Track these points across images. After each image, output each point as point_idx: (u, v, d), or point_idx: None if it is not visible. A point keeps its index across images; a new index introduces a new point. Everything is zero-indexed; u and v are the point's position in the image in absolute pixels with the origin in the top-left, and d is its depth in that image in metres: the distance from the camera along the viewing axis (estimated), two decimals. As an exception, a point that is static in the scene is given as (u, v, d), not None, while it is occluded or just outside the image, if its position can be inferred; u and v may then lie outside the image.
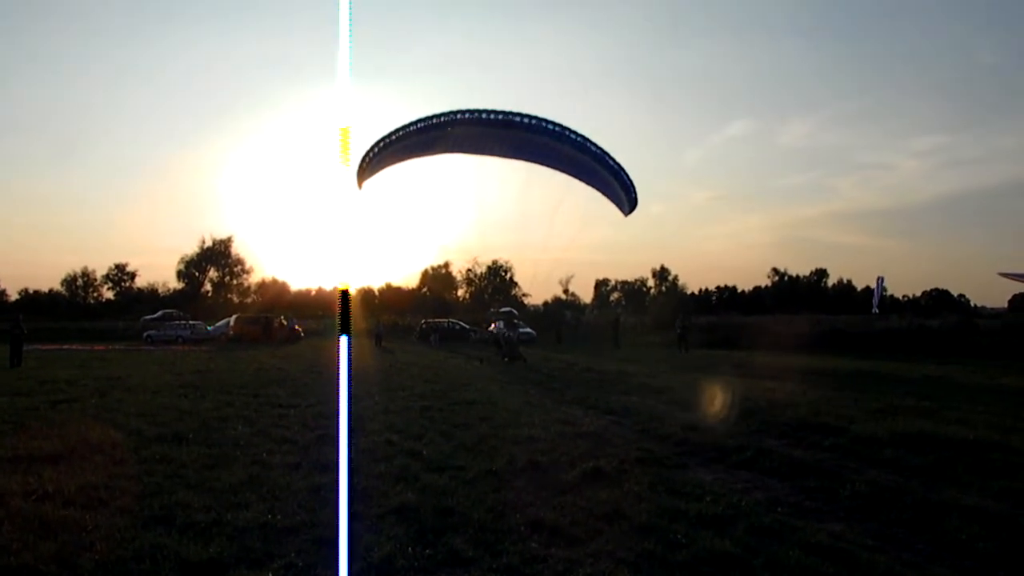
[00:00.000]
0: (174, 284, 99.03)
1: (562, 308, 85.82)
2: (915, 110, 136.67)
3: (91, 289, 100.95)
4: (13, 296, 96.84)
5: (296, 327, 55.19)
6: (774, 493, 8.74)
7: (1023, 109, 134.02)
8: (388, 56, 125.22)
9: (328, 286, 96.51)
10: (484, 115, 12.87)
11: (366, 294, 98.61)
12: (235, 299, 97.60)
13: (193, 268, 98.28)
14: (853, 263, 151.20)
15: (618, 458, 10.20)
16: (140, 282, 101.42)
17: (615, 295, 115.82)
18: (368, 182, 13.98)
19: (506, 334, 33.54)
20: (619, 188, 14.27)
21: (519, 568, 6.05)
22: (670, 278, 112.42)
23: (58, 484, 8.27)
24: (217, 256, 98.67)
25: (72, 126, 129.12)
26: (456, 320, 61.32)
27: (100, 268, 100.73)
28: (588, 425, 13.22)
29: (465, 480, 8.92)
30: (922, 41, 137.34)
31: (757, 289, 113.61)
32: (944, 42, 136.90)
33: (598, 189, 14.56)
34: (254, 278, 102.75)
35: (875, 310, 55.43)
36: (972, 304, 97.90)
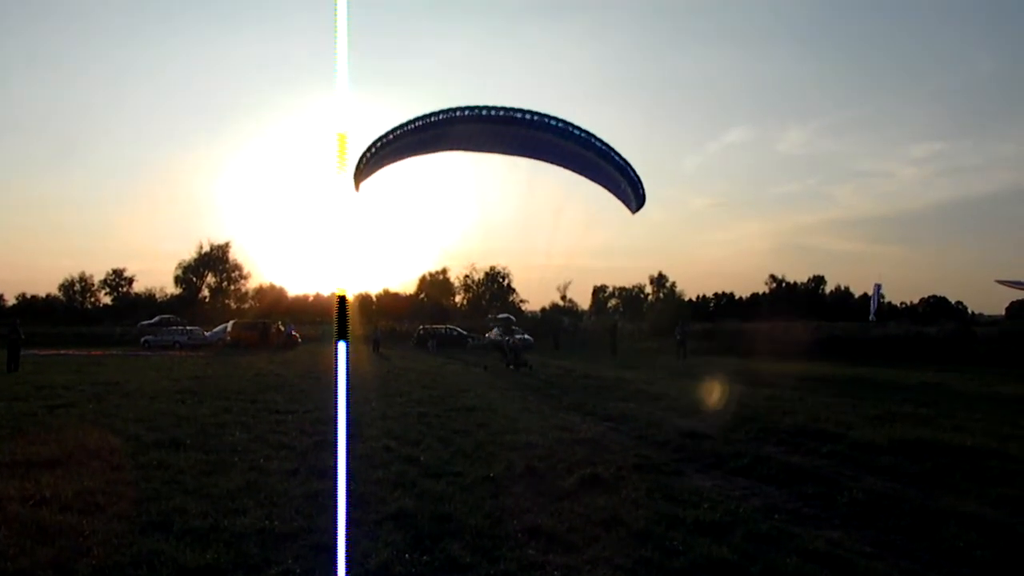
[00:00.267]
0: (172, 289, 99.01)
1: (560, 314, 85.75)
2: (913, 118, 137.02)
3: (88, 294, 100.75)
4: (10, 301, 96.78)
5: (294, 333, 55.12)
6: (772, 500, 8.74)
7: (1020, 116, 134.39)
8: (386, 62, 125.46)
9: (326, 292, 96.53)
10: (484, 112, 12.61)
11: (363, 300, 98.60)
12: (233, 305, 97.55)
13: (191, 273, 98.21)
14: (851, 270, 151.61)
15: (616, 464, 10.22)
16: (138, 287, 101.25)
17: (613, 301, 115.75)
18: (366, 183, 13.74)
19: (510, 340, 32.93)
20: (626, 184, 13.92)
21: (516, 574, 6.06)
22: (668, 284, 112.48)
23: (55, 489, 8.28)
24: (215, 261, 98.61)
25: (70, 130, 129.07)
26: (454, 326, 61.26)
27: (98, 273, 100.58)
28: (586, 431, 13.23)
29: (463, 486, 8.92)
30: (919, 49, 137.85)
31: (755, 296, 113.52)
32: (941, 50, 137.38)
33: (604, 186, 14.21)
34: (252, 284, 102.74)
35: (872, 317, 55.44)
36: (970, 311, 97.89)
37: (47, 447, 10.81)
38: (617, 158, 13.46)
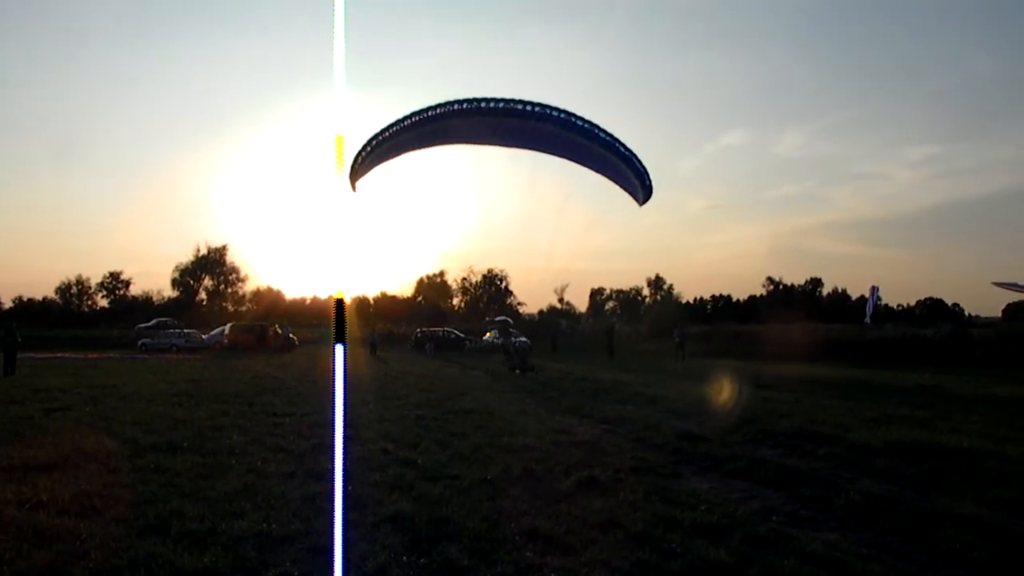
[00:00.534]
0: (169, 292, 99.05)
1: (557, 317, 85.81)
2: (910, 120, 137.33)
3: (85, 297, 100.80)
4: (7, 304, 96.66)
5: (291, 336, 55.17)
6: (769, 502, 8.75)
7: (1017, 119, 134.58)
8: (384, 63, 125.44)
9: (323, 295, 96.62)
10: (483, 104, 12.30)
11: (361, 303, 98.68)
12: (230, 307, 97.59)
13: (188, 276, 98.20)
14: (848, 272, 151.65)
15: (613, 467, 10.22)
16: (135, 290, 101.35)
17: (610, 304, 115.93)
18: (363, 182, 13.53)
19: (515, 343, 32.03)
20: (632, 175, 13.58)
21: (514, 577, 6.06)
22: (665, 287, 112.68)
23: (52, 493, 8.26)
24: (212, 264, 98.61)
25: (67, 132, 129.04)
26: (451, 329, 61.28)
27: (95, 276, 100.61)
28: (583, 434, 13.23)
29: (460, 489, 8.92)
30: (916, 52, 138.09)
31: (752, 298, 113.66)
32: (939, 53, 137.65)
33: (609, 177, 13.86)
34: (249, 286, 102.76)
35: (867, 320, 55.45)
36: (966, 313, 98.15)
37: (44, 450, 10.79)
38: (622, 148, 13.16)
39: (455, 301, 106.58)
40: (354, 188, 13.35)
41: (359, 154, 12.90)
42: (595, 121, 12.80)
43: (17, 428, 13.11)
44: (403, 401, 18.31)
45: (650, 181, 13.72)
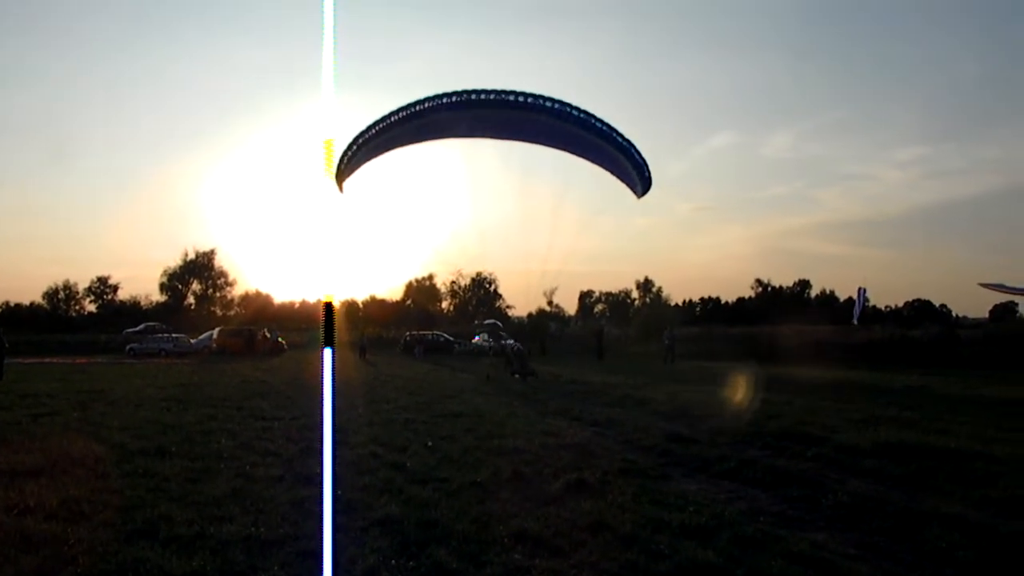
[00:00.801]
0: (157, 297, 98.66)
1: (546, 320, 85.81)
2: (897, 121, 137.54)
3: (73, 302, 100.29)
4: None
5: (280, 339, 55.07)
6: (757, 503, 8.80)
7: (1004, 120, 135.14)
8: (372, 67, 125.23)
9: (312, 298, 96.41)
10: (474, 96, 11.91)
11: (350, 306, 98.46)
12: (218, 312, 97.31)
13: (176, 281, 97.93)
14: (836, 274, 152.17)
15: (602, 469, 10.24)
16: (123, 295, 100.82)
17: (599, 306, 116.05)
18: (351, 181, 13.24)
19: (515, 347, 29.85)
20: (630, 167, 13.20)
21: (503, 579, 6.08)
22: (654, 289, 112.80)
23: (39, 498, 8.23)
24: (200, 269, 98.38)
25: (54, 137, 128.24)
26: (441, 332, 61.27)
27: (82, 281, 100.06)
28: (572, 436, 13.25)
29: (449, 492, 8.93)
30: (904, 53, 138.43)
31: (741, 300, 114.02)
32: (925, 54, 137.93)
33: (607, 168, 13.63)
34: (237, 291, 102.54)
35: (855, 321, 55.69)
36: (954, 314, 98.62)
37: (31, 456, 10.75)
38: (619, 139, 12.80)
39: (444, 304, 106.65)
40: (341, 189, 13.18)
41: (346, 153, 12.66)
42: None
43: (4, 433, 13.05)
44: (392, 404, 18.31)
45: (649, 172, 13.42)
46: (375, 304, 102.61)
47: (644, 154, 12.99)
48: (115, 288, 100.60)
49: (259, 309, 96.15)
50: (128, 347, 52.64)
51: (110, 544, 6.72)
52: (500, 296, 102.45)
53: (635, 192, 13.83)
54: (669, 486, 9.54)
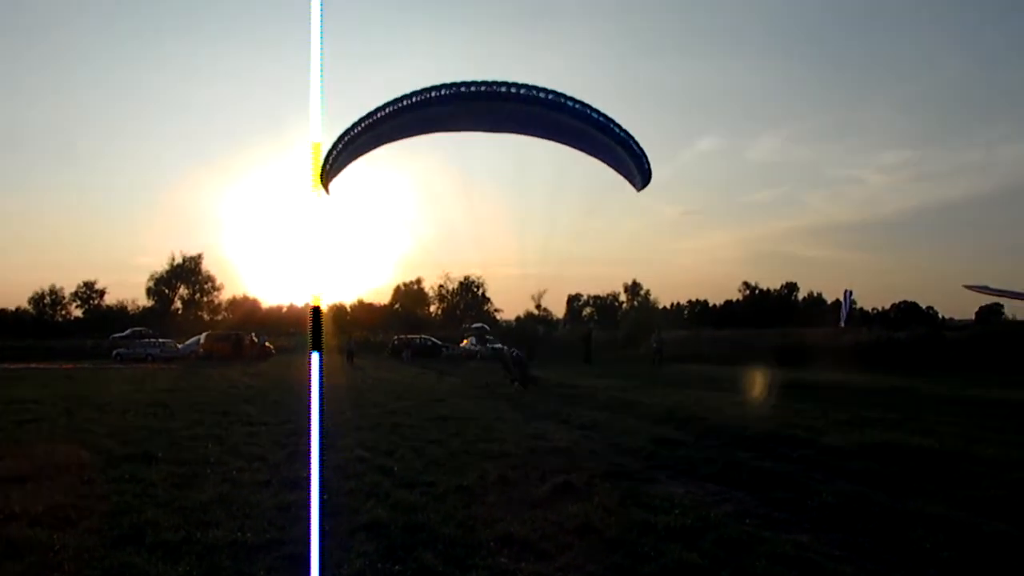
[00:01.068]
0: (144, 302, 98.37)
1: (534, 323, 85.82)
2: (882, 125, 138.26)
3: (59, 307, 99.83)
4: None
5: (267, 344, 54.93)
6: (743, 505, 8.82)
7: (987, 124, 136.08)
8: (361, 71, 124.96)
9: (299, 303, 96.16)
10: (464, 89, 11.38)
11: (337, 310, 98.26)
12: (206, 317, 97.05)
13: (163, 286, 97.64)
14: (823, 277, 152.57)
15: (588, 472, 10.27)
16: (109, 300, 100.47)
17: (587, 310, 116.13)
18: (338, 182, 13.00)
19: (515, 353, 27.84)
20: (629, 159, 12.64)
21: (488, 582, 6.10)
22: (642, 293, 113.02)
23: (25, 504, 8.21)
24: (187, 273, 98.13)
25: (40, 143, 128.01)
26: (428, 336, 61.23)
27: (68, 286, 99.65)
28: (559, 440, 13.28)
29: (436, 496, 8.95)
30: (888, 57, 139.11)
31: (728, 303, 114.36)
32: (911, 58, 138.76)
33: (604, 161, 13.20)
34: (225, 295, 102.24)
35: (842, 324, 55.93)
36: (940, 316, 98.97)
37: (16, 462, 10.71)
38: (618, 130, 12.24)
39: (432, 308, 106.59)
40: (327, 190, 13.01)
41: (331, 152, 12.42)
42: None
43: (-11, 440, 13.00)
44: (379, 408, 18.31)
45: (648, 164, 12.91)
46: (363, 308, 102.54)
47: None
48: (101, 293, 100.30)
49: (246, 314, 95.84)
50: (115, 352, 52.38)
51: (96, 550, 6.71)
52: (488, 300, 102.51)
53: (634, 185, 13.24)
54: (655, 489, 9.56)
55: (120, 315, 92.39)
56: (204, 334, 57.27)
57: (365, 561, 6.44)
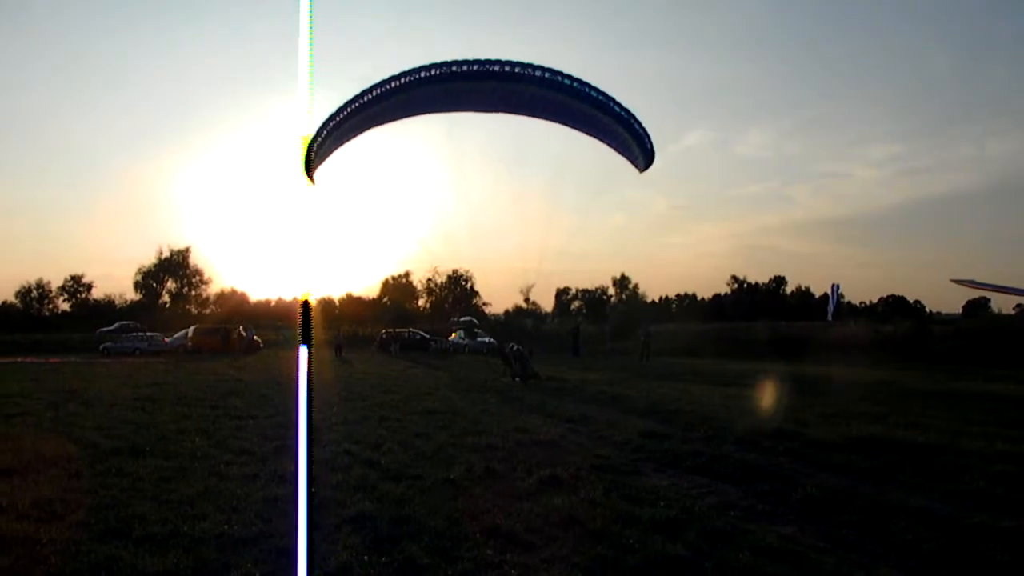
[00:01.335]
0: (131, 295, 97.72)
1: (523, 317, 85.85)
2: (871, 120, 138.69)
3: (46, 301, 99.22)
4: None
5: (255, 338, 54.79)
6: (727, 497, 8.89)
7: (975, 119, 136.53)
8: (350, 63, 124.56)
9: (288, 296, 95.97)
10: (455, 68, 10.84)
11: (326, 304, 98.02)
12: (193, 310, 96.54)
13: (151, 279, 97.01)
14: (811, 271, 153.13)
15: (575, 465, 10.31)
16: (96, 293, 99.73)
17: (576, 303, 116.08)
18: (323, 172, 12.34)
19: (515, 348, 27.04)
20: (631, 139, 12.03)
21: (474, 574, 6.14)
22: (631, 286, 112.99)
23: (11, 498, 8.21)
24: (175, 267, 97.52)
25: (24, 135, 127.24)
26: (417, 330, 61.18)
27: (55, 279, 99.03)
28: (546, 433, 13.32)
29: (423, 489, 8.98)
30: (878, 52, 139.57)
31: (716, 297, 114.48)
32: (900, 53, 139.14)
33: (604, 142, 12.46)
34: (213, 289, 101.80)
35: (830, 318, 56.17)
36: (928, 310, 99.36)
37: (3, 456, 10.69)
38: (618, 109, 11.65)
39: (420, 302, 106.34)
40: (312, 179, 12.78)
41: (315, 139, 11.92)
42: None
43: (-25, 434, 12.97)
44: (367, 402, 18.32)
45: (651, 144, 12.30)
46: (351, 302, 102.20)
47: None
48: (89, 287, 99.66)
49: (234, 307, 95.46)
50: (102, 346, 52.21)
51: (83, 543, 6.72)
52: (477, 293, 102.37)
53: (637, 166, 12.75)
54: (640, 481, 9.62)
55: (107, 309, 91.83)
56: (192, 328, 57.12)
57: (351, 553, 6.46)
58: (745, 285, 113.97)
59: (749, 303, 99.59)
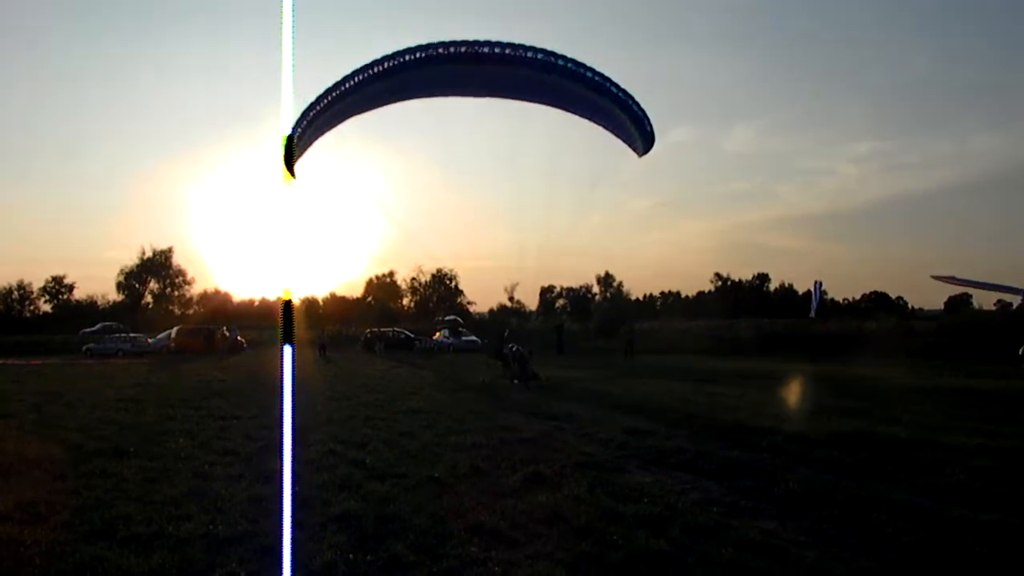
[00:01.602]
0: (114, 296, 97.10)
1: (507, 315, 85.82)
2: (854, 116, 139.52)
3: (27, 302, 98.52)
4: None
5: (239, 338, 54.60)
6: (710, 493, 8.95)
7: (958, 116, 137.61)
8: (333, 63, 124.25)
9: (271, 296, 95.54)
10: (444, 51, 10.21)
11: (310, 303, 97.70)
12: (177, 311, 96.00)
13: (133, 280, 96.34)
14: (795, 267, 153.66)
15: (559, 463, 10.36)
16: (79, 294, 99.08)
17: (560, 302, 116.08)
18: (304, 164, 11.51)
19: (515, 349, 26.28)
20: (629, 121, 11.67)
21: (458, 571, 6.16)
22: (615, 284, 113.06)
23: (-5, 500, 8.19)
24: (158, 267, 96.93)
25: (7, 135, 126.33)
26: (401, 329, 61.08)
27: (37, 280, 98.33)
28: (530, 431, 13.37)
29: (407, 487, 9.00)
30: (860, 49, 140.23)
31: (700, 294, 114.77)
32: (881, 50, 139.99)
33: (602, 125, 12.22)
34: (196, 289, 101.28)
35: (812, 315, 56.47)
36: (910, 306, 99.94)
37: (-14, 458, 10.66)
38: (616, 91, 11.28)
39: (405, 301, 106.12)
40: (292, 175, 12.49)
41: (294, 132, 11.02)
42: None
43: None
44: (352, 402, 18.31)
45: (651, 127, 11.98)
46: (335, 301, 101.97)
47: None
48: (70, 288, 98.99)
49: (218, 307, 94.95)
50: (85, 347, 51.96)
51: (67, 544, 6.71)
52: (461, 292, 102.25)
53: (636, 150, 12.64)
54: (624, 478, 9.66)
55: (90, 310, 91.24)
56: (175, 328, 56.88)
57: (336, 552, 6.48)
58: (729, 282, 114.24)
59: (733, 300, 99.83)
